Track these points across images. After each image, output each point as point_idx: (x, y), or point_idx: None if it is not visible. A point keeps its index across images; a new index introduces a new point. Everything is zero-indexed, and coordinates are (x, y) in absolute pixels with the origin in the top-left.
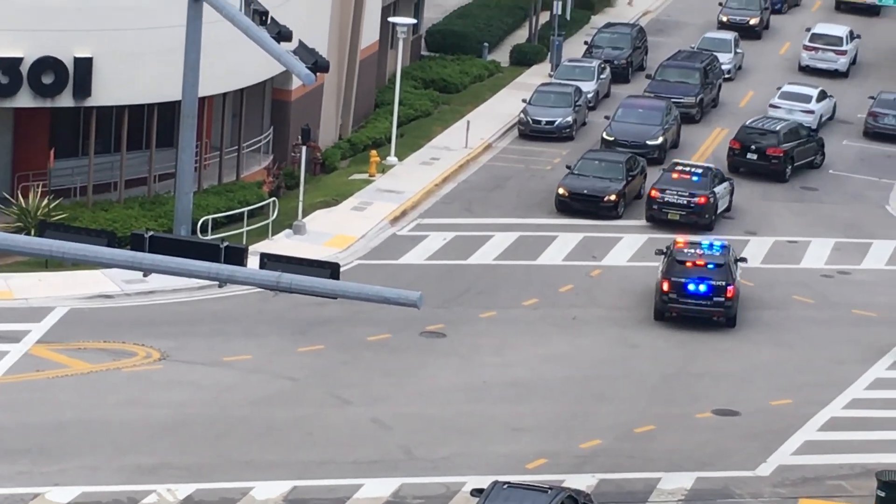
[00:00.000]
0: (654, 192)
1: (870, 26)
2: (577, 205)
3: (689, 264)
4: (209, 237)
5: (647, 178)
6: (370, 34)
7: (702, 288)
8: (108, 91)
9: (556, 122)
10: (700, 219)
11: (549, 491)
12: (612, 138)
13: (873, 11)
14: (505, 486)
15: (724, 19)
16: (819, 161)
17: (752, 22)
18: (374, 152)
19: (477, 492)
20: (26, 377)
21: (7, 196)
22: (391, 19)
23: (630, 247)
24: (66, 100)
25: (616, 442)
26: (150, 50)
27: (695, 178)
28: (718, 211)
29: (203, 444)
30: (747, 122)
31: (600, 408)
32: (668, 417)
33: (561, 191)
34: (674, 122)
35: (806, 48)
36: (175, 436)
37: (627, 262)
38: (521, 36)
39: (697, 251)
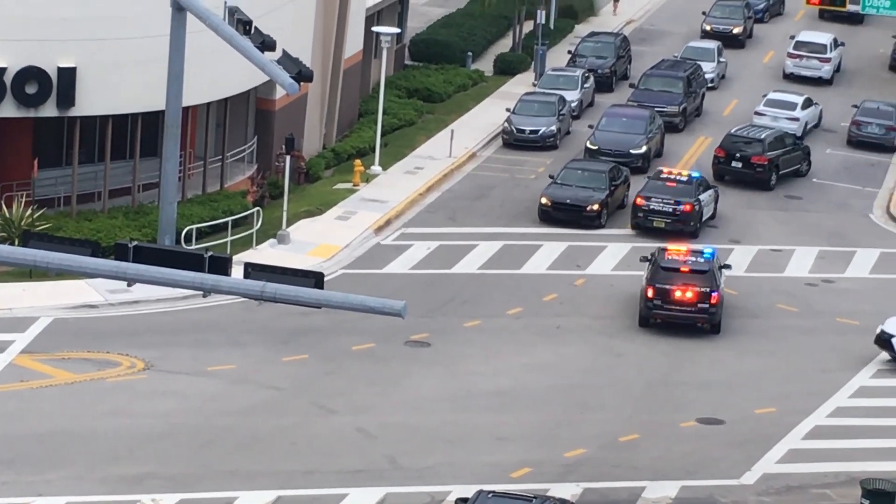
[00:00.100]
0: (639, 200)
1: (853, 34)
2: (559, 214)
3: (673, 271)
4: (193, 247)
5: (630, 188)
6: (354, 44)
7: (687, 295)
8: (91, 101)
9: (541, 131)
10: (685, 226)
11: (534, 500)
12: (595, 147)
13: (857, 20)
14: (490, 496)
15: (708, 28)
16: (805, 169)
17: (736, 31)
18: (358, 162)
19: (462, 501)
20: (10, 387)
21: None
22: (375, 29)
23: (614, 255)
24: (49, 110)
25: (601, 451)
26: (133, 60)
27: (680, 186)
28: (703, 219)
29: (187, 454)
30: (732, 131)
31: (585, 416)
32: (653, 426)
33: (544, 200)
34: (658, 131)
35: (790, 56)
36: (159, 446)
37: (612, 271)
38: (504, 45)
39: (682, 258)
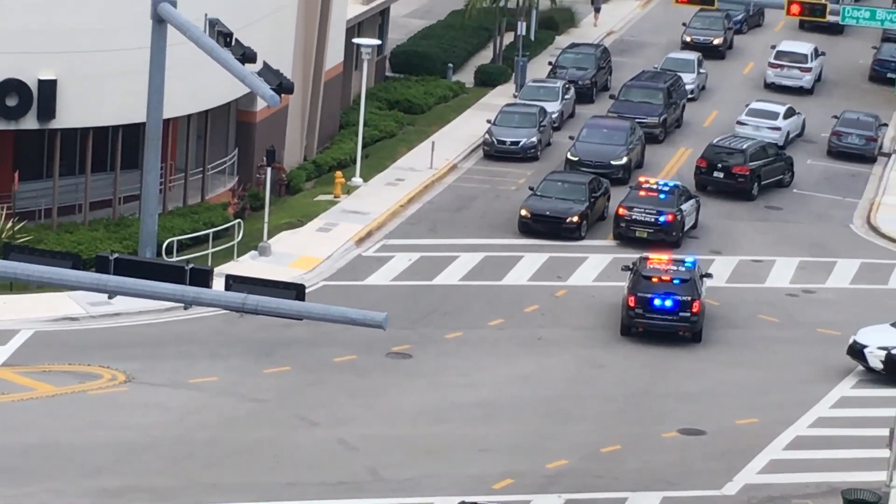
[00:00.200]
0: (621, 210)
1: (834, 45)
2: (538, 226)
3: (654, 280)
4: (174, 259)
5: (610, 200)
6: (335, 55)
7: (668, 303)
8: (72, 113)
9: (521, 143)
10: (667, 236)
11: None
12: (576, 158)
13: (837, 30)
14: None
15: (688, 39)
16: (788, 180)
17: (716, 42)
18: (339, 173)
19: None
20: None
21: None
22: (355, 40)
23: (595, 267)
24: (30, 122)
25: (582, 462)
26: (114, 72)
27: (662, 196)
28: (685, 228)
29: (169, 467)
30: (714, 141)
31: (566, 428)
32: (635, 437)
33: (523, 212)
34: (638, 142)
35: (771, 65)
36: (141, 458)
37: (593, 282)
38: (485, 56)
39: (664, 266)
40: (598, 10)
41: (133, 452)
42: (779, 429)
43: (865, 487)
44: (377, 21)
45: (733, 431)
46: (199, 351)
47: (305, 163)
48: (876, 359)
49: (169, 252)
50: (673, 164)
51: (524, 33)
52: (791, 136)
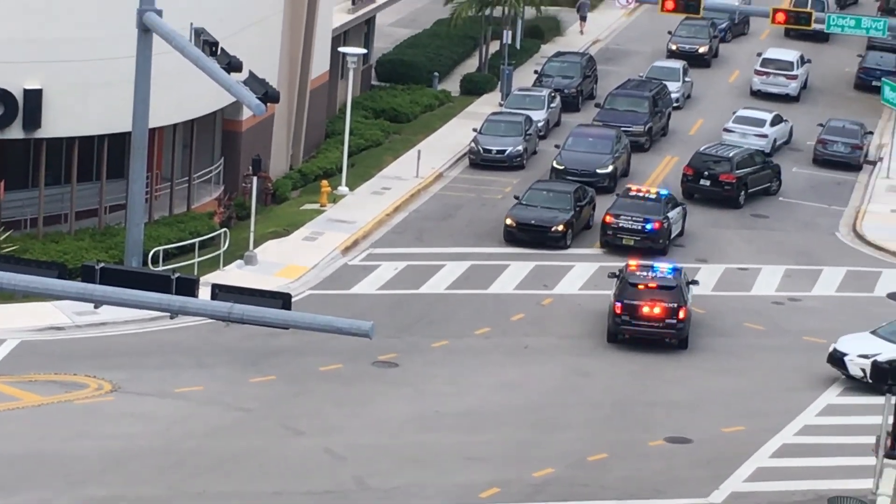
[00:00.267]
0: (608, 218)
1: (819, 52)
2: (524, 235)
3: (640, 287)
4: (160, 268)
5: (595, 209)
6: (320, 64)
7: (654, 310)
8: (57, 123)
9: (507, 151)
10: (654, 244)
11: None
12: (562, 167)
13: (822, 38)
14: None
15: (674, 48)
16: (776, 188)
17: (702, 50)
18: (325, 182)
19: None
20: None
21: None
22: (341, 49)
23: (581, 275)
24: (15, 132)
25: (569, 470)
26: (99, 81)
27: (648, 204)
28: (672, 236)
29: (155, 476)
30: (701, 149)
31: (553, 436)
32: (621, 445)
33: (508, 221)
34: (624, 151)
35: (757, 73)
36: (127, 468)
37: (579, 291)
38: (471, 65)
39: (649, 274)
40: (583, 19)
41: (119, 462)
42: (765, 437)
43: (852, 495)
44: (363, 30)
45: (720, 439)
46: (185, 360)
47: (291, 172)
48: (856, 367)
49: (155, 261)
50: (659, 173)
51: (510, 42)
52: (778, 143)
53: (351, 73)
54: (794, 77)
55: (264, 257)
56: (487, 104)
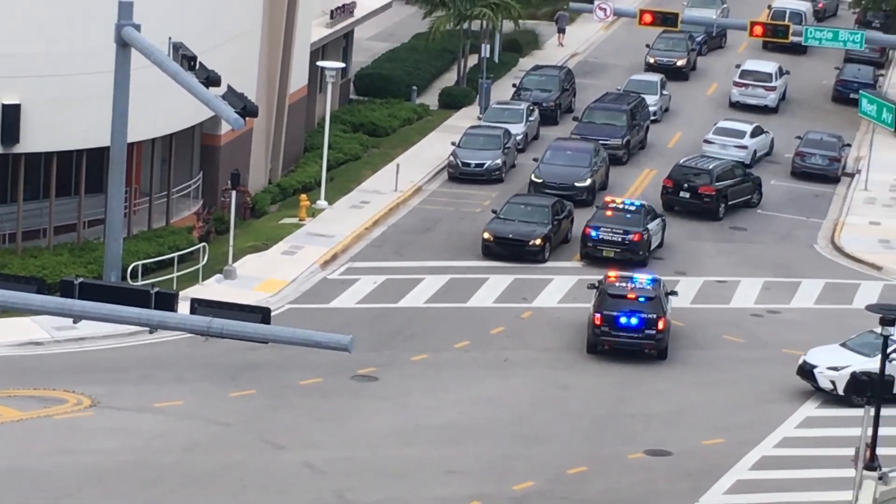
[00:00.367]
0: (588, 230)
1: (797, 65)
2: (501, 249)
3: (620, 298)
4: (139, 283)
5: (574, 222)
6: (299, 78)
7: (633, 321)
8: (36, 137)
9: (486, 165)
10: (634, 255)
11: None
12: (540, 180)
13: (800, 50)
14: None
15: (652, 61)
16: (756, 200)
17: (680, 63)
18: (303, 196)
19: None
20: None
21: None
22: (320, 63)
23: (560, 288)
24: None
25: (549, 483)
26: (78, 96)
27: (628, 216)
28: (651, 247)
29: (135, 491)
30: (681, 161)
31: (533, 449)
32: (601, 458)
33: (486, 235)
34: (602, 164)
35: (736, 84)
36: (106, 483)
37: (558, 304)
38: (449, 79)
39: (628, 285)
40: (562, 31)
41: (99, 477)
42: (745, 449)
43: None
44: (341, 44)
45: (699, 452)
46: (164, 375)
47: (270, 186)
48: (825, 379)
49: (134, 276)
50: (637, 186)
51: (488, 55)
52: (759, 154)
53: (329, 87)
54: (773, 88)
55: (243, 271)
56: (466, 118)
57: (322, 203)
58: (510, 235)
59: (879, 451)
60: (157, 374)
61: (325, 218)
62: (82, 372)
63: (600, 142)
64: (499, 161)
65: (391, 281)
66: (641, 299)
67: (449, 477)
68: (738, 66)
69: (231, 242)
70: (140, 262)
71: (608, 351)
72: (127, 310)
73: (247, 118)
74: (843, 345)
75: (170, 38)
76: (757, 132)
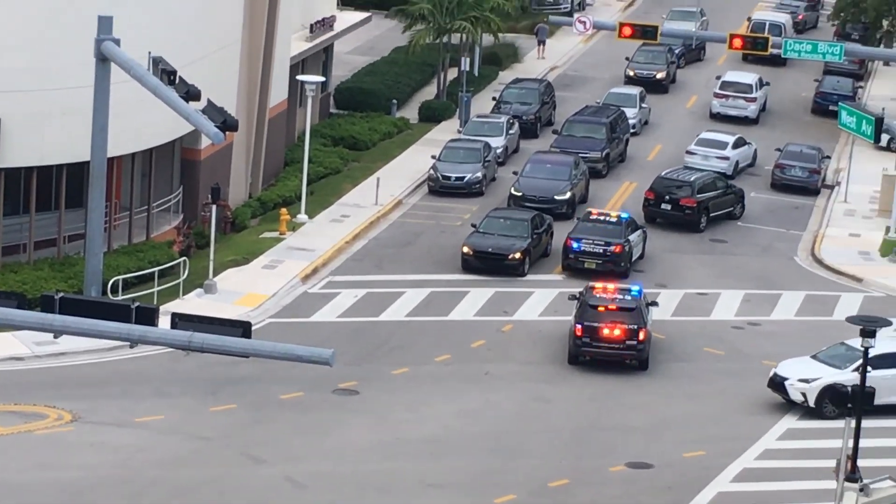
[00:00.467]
0: (569, 242)
1: (777, 77)
2: (481, 263)
3: (601, 309)
4: (120, 298)
5: (553, 236)
6: (279, 92)
7: (614, 332)
8: (16, 152)
9: (466, 178)
10: (616, 267)
11: None
12: (520, 194)
13: (780, 62)
14: None
15: (631, 73)
16: (739, 212)
17: (659, 76)
18: (284, 210)
19: None
20: None
21: None
22: (299, 77)
23: (541, 301)
24: None
25: (531, 497)
26: (58, 111)
27: (609, 227)
28: (633, 259)
29: None
30: (663, 173)
31: (514, 462)
32: (582, 471)
33: (465, 249)
34: (582, 177)
35: (716, 95)
36: (87, 498)
37: (538, 317)
38: (429, 92)
39: (609, 296)
40: (542, 43)
41: (80, 492)
42: (726, 461)
43: None
44: (321, 58)
45: (681, 464)
46: (144, 390)
47: (250, 200)
48: (796, 391)
49: (114, 291)
50: (617, 199)
51: (468, 69)
52: (741, 165)
53: (309, 101)
54: (753, 100)
55: (224, 286)
56: (446, 131)
57: (302, 217)
58: (490, 249)
59: (860, 462)
60: (137, 388)
61: (305, 232)
62: (63, 387)
63: (580, 155)
64: (479, 174)
65: (372, 295)
66: (622, 310)
67: (430, 490)
68: (718, 78)
69: (211, 257)
70: (120, 277)
71: (589, 362)
72: (107, 324)
73: (227, 132)
74: (814, 357)
75: (149, 53)
76: (739, 143)
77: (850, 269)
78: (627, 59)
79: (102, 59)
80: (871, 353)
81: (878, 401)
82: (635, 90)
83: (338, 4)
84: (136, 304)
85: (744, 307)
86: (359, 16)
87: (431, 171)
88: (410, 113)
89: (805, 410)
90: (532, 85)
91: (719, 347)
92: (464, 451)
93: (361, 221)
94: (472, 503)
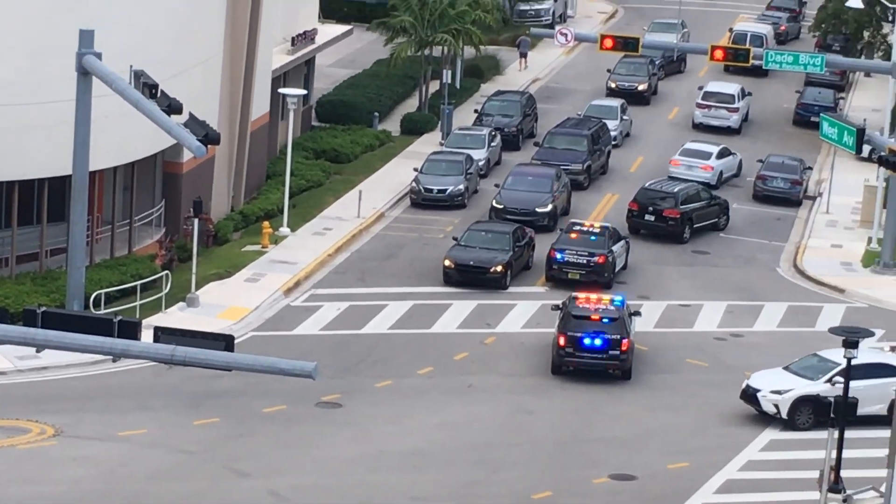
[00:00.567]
0: (553, 253)
1: (758, 88)
2: (462, 277)
3: (584, 318)
4: (102, 312)
5: (535, 249)
6: (260, 105)
7: (597, 342)
8: None
9: (448, 191)
10: (599, 277)
11: None
12: (501, 206)
13: (761, 73)
14: None
15: (613, 85)
16: (723, 223)
17: (641, 88)
18: (266, 223)
19: None
20: None
21: None
22: (281, 90)
23: (523, 314)
24: None
25: None
26: (39, 124)
27: (592, 238)
28: (616, 269)
29: None
30: (647, 184)
31: (498, 475)
32: (566, 483)
33: (447, 263)
34: (563, 190)
35: (699, 106)
36: None
37: (521, 329)
38: (411, 105)
39: (592, 306)
40: (524, 55)
41: None
42: (709, 472)
43: None
44: (303, 71)
45: (664, 476)
46: (127, 403)
47: (233, 213)
48: (769, 403)
49: (97, 305)
50: (600, 210)
51: (449, 81)
52: (725, 175)
53: (291, 114)
54: (736, 110)
55: (206, 299)
56: (428, 143)
57: (285, 230)
58: (471, 262)
59: (843, 473)
60: (120, 402)
61: (287, 245)
62: (46, 401)
63: (562, 167)
64: (461, 187)
65: (354, 307)
66: (605, 320)
67: (414, 503)
68: (700, 88)
69: (194, 270)
70: (103, 291)
71: (572, 372)
72: (90, 338)
73: (209, 145)
74: (787, 368)
75: (131, 67)
76: (724, 153)
77: (833, 279)
78: (609, 70)
79: (84, 73)
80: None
81: (859, 411)
82: (617, 102)
83: (319, 17)
84: (119, 317)
85: (726, 318)
86: (340, 28)
87: (414, 184)
88: (392, 125)
89: (784, 422)
90: (514, 97)
91: (702, 359)
92: (447, 463)
93: (344, 234)
94: None
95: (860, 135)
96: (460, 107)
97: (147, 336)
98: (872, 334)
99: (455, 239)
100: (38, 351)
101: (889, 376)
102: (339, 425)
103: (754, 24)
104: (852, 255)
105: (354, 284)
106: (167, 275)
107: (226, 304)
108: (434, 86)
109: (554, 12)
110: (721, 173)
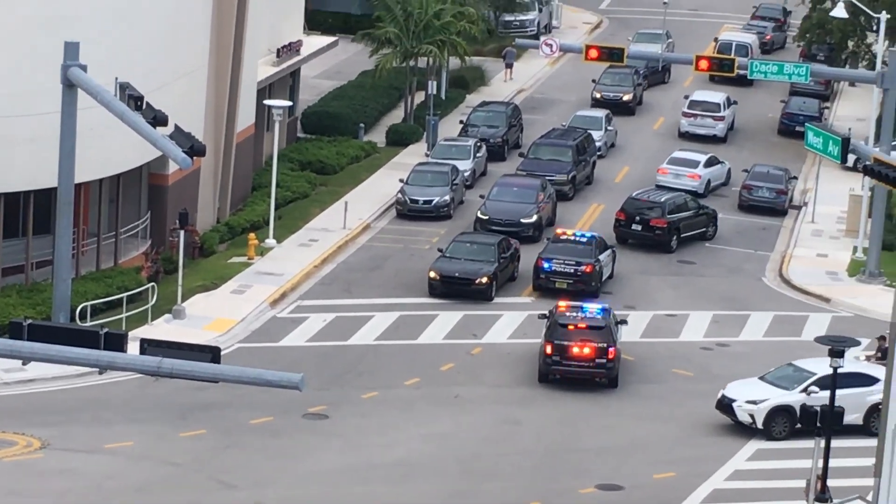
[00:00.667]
0: (540, 262)
1: (743, 97)
2: (447, 288)
3: (570, 327)
4: (88, 324)
5: (520, 260)
6: (246, 117)
7: (584, 350)
8: None
9: (434, 202)
10: (587, 286)
11: None
12: (486, 217)
13: (746, 82)
14: None
15: (598, 96)
16: (711, 233)
17: (626, 98)
18: (252, 235)
19: None
20: None
21: None
22: (266, 102)
23: (510, 324)
24: None
25: None
26: (24, 137)
27: (580, 247)
28: (603, 278)
29: None
30: (634, 194)
31: (485, 485)
32: (553, 493)
33: (432, 274)
34: (549, 200)
35: (685, 115)
36: None
37: (508, 339)
38: (396, 116)
39: (579, 314)
40: (509, 66)
41: None
42: (696, 482)
43: None
44: (288, 82)
45: (651, 486)
46: (114, 416)
47: (218, 225)
48: (744, 412)
49: (83, 317)
50: (586, 220)
51: (435, 92)
52: (713, 184)
53: (277, 126)
54: (721, 118)
55: (192, 311)
56: (414, 154)
57: (271, 241)
58: (456, 274)
59: (830, 482)
60: (107, 414)
61: (273, 256)
62: (32, 414)
63: (546, 178)
64: (447, 198)
65: (341, 319)
66: (591, 329)
67: None
68: (686, 97)
69: (180, 282)
70: (89, 303)
71: (559, 381)
72: (76, 351)
73: (194, 157)
74: (762, 378)
75: (116, 79)
76: (712, 162)
77: (818, 289)
78: (594, 81)
79: (69, 85)
80: (826, 373)
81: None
82: (602, 112)
83: (304, 29)
84: (105, 330)
85: (712, 328)
86: (325, 40)
87: (399, 195)
88: (378, 137)
89: (760, 431)
90: (499, 108)
91: (688, 368)
92: (434, 474)
93: (330, 245)
94: None
95: (845, 144)
96: (446, 118)
97: (133, 348)
98: (858, 343)
99: (440, 250)
100: (24, 363)
101: (865, 385)
102: (326, 436)
103: (739, 33)
104: (838, 265)
105: (341, 296)
106: (153, 287)
107: (212, 315)
108: (419, 97)
109: (539, 23)
110: (709, 182)
